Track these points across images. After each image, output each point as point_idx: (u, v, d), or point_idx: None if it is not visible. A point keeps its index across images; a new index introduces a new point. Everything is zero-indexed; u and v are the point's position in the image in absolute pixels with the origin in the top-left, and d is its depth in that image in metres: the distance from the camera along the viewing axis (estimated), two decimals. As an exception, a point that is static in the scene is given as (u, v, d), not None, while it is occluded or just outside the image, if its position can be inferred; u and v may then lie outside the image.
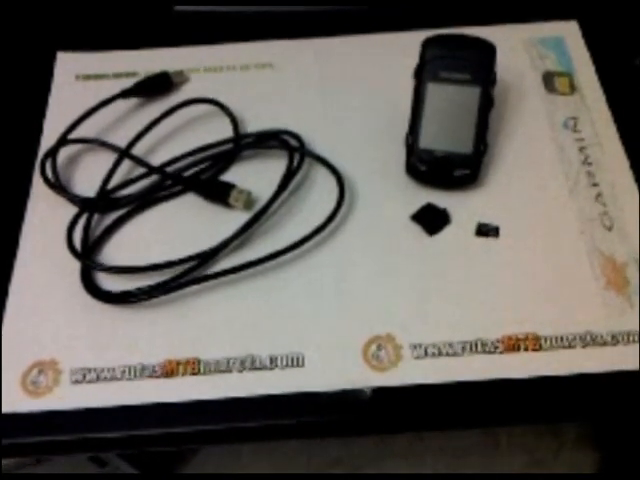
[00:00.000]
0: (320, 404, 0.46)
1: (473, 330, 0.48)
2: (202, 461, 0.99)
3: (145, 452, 0.82)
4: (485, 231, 0.52)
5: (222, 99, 0.59)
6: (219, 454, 0.99)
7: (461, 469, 0.98)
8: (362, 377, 0.47)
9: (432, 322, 0.49)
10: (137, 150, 0.57)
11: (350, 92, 0.61)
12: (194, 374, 0.47)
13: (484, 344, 0.48)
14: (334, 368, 0.47)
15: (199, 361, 0.48)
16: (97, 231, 0.54)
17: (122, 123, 0.60)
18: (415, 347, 0.48)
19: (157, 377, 0.47)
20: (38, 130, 0.59)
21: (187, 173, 0.56)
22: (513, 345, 0.47)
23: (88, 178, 0.56)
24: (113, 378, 0.47)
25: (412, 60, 0.53)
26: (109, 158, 0.56)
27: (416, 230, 0.53)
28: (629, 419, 0.53)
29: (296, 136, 0.57)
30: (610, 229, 0.52)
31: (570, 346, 0.47)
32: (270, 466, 0.98)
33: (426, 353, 0.47)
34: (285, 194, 0.54)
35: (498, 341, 0.48)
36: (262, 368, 0.47)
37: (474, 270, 0.51)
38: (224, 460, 0.99)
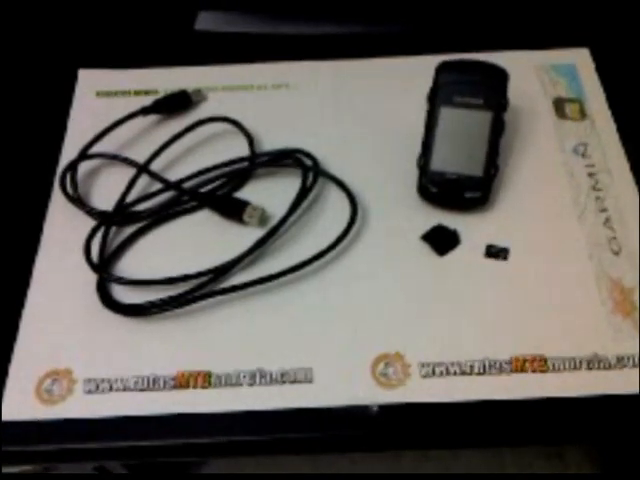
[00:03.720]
0: (328, 419, 0.47)
1: (481, 350, 0.49)
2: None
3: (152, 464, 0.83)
4: (494, 253, 0.53)
5: (239, 118, 0.61)
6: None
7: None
8: (370, 394, 0.47)
9: (441, 341, 0.49)
10: (155, 166, 0.58)
11: (364, 113, 0.62)
12: (205, 387, 0.48)
13: (492, 364, 0.48)
14: (343, 384, 0.48)
15: (210, 374, 0.48)
16: (114, 244, 0.55)
17: (141, 139, 0.61)
18: (423, 366, 0.48)
19: (169, 389, 0.48)
20: (59, 144, 0.61)
21: (203, 189, 0.57)
22: (520, 366, 0.48)
23: (106, 192, 0.57)
24: (125, 389, 0.48)
25: (426, 84, 0.54)
26: (127, 173, 0.57)
27: (426, 250, 0.54)
28: (635, 442, 0.54)
29: (310, 156, 0.58)
30: (618, 254, 0.53)
31: (576, 368, 0.48)
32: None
33: (434, 372, 0.48)
34: (298, 212, 0.55)
35: (505, 362, 0.48)
36: (272, 382, 0.48)
37: (483, 291, 0.52)
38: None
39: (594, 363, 0.48)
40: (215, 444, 0.47)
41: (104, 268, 0.53)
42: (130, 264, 0.54)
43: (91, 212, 0.56)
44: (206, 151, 0.60)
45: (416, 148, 0.55)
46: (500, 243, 0.54)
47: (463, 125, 0.54)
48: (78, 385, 0.48)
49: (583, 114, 0.61)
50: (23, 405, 0.48)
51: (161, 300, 0.50)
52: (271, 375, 0.48)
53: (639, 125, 0.60)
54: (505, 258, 0.53)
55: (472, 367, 0.48)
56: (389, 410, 0.47)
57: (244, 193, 0.57)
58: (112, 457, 0.51)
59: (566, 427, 0.47)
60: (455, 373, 0.48)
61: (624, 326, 0.49)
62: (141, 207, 0.56)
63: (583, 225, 0.54)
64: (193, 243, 0.55)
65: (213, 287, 0.52)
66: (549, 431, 0.47)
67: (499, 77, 0.54)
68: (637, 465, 0.85)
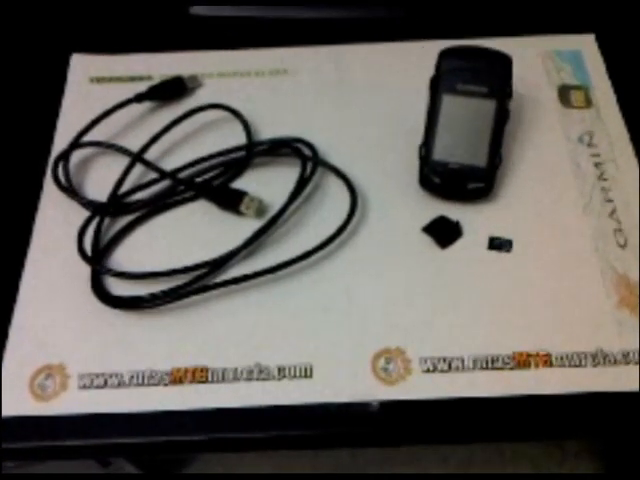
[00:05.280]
0: (328, 416, 0.46)
1: (484, 345, 0.48)
2: (205, 460, 0.99)
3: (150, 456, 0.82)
4: (498, 245, 0.52)
5: (236, 105, 0.59)
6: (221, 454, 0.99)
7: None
8: (370, 390, 0.46)
9: (442, 336, 0.48)
10: (149, 155, 0.57)
11: (365, 101, 0.60)
12: (202, 382, 0.47)
13: (494, 360, 0.47)
14: (343, 380, 0.47)
15: (207, 369, 0.48)
16: (108, 235, 0.53)
17: (135, 127, 0.60)
18: (424, 361, 0.47)
19: (165, 384, 0.47)
20: (51, 132, 0.59)
21: (199, 179, 0.56)
22: (524, 361, 0.47)
23: (100, 182, 0.56)
24: (120, 384, 0.47)
25: (428, 70, 0.53)
26: (121, 162, 0.56)
27: (428, 242, 0.53)
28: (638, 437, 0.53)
29: (309, 145, 0.56)
30: (624, 246, 0.52)
31: (581, 364, 0.47)
32: (273, 467, 0.98)
33: (435, 367, 0.47)
34: (297, 203, 0.54)
35: (509, 357, 0.47)
36: (270, 378, 0.47)
37: (486, 284, 0.50)
38: (226, 460, 0.99)
39: (599, 358, 0.47)
40: (212, 440, 0.46)
41: (98, 260, 0.52)
42: (124, 256, 0.53)
43: (84, 202, 0.55)
44: (202, 139, 0.59)
45: (418, 137, 0.54)
46: (503, 235, 0.53)
47: (466, 114, 0.52)
48: (72, 380, 0.47)
49: (588, 102, 0.60)
50: (16, 401, 0.47)
51: (157, 293, 0.49)
52: (269, 371, 0.47)
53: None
54: (508, 250, 0.52)
55: (474, 363, 0.47)
56: (390, 406, 0.46)
57: (241, 183, 0.56)
58: (107, 453, 0.50)
59: (571, 423, 0.46)
60: (457, 369, 0.47)
61: (630, 320, 0.48)
62: (135, 197, 0.55)
63: (589, 216, 0.53)
64: (189, 234, 0.54)
65: (209, 280, 0.51)
66: (553, 427, 0.47)
67: (503, 64, 0.52)
68: (636, 453, 0.85)
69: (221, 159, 0.56)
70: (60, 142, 0.58)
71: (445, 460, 0.99)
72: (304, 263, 0.51)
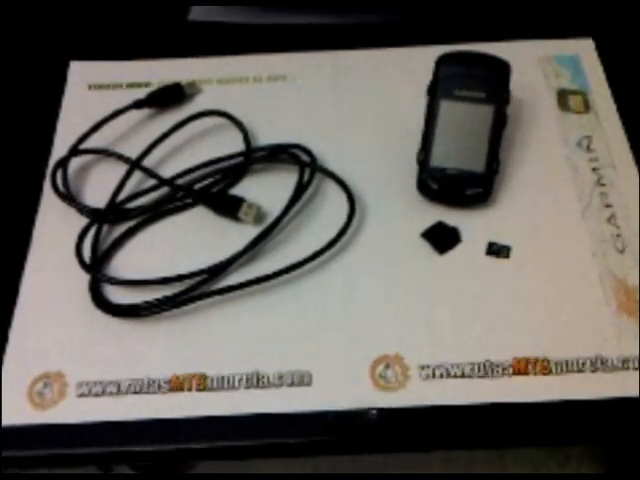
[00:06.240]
0: (326, 423, 0.46)
1: (482, 352, 0.48)
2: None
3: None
4: (496, 251, 0.52)
5: (234, 111, 0.59)
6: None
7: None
8: (369, 397, 0.46)
9: (441, 342, 0.48)
10: (148, 162, 0.57)
11: (363, 107, 0.60)
12: (200, 390, 0.47)
13: (493, 366, 0.47)
14: (341, 387, 0.47)
15: (205, 377, 0.47)
16: (106, 242, 0.53)
17: (134, 134, 0.60)
18: (423, 368, 0.47)
19: (163, 392, 0.47)
20: (50, 139, 0.59)
21: (197, 186, 0.56)
22: (522, 368, 0.47)
23: (98, 189, 0.56)
24: (119, 392, 0.47)
25: (426, 76, 0.53)
26: (120, 169, 0.56)
27: (426, 248, 0.52)
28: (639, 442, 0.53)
29: (307, 151, 0.56)
30: (622, 252, 0.52)
31: (580, 370, 0.47)
32: (274, 466, 0.98)
33: (434, 374, 0.47)
34: (295, 209, 0.54)
35: (507, 364, 0.47)
36: (269, 386, 0.47)
37: (484, 290, 0.50)
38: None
39: (598, 365, 0.47)
40: (211, 449, 0.46)
41: (96, 268, 0.52)
42: (123, 263, 0.53)
43: (83, 209, 0.55)
44: (200, 146, 0.58)
45: (416, 143, 0.54)
46: (502, 241, 0.52)
47: (464, 119, 0.52)
48: (71, 388, 0.47)
49: (587, 106, 0.60)
50: (15, 409, 0.47)
51: (155, 301, 0.49)
52: (268, 378, 0.47)
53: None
54: (507, 256, 0.52)
55: (473, 369, 0.47)
56: (388, 413, 0.46)
57: (239, 189, 0.56)
58: (106, 462, 0.50)
59: (569, 430, 0.46)
60: (456, 375, 0.47)
61: (629, 326, 0.48)
62: (134, 204, 0.55)
63: (587, 222, 0.53)
64: (187, 241, 0.54)
65: (208, 287, 0.51)
66: (552, 434, 0.47)
67: (501, 70, 0.53)
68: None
69: (219, 165, 0.56)
70: (59, 149, 0.58)
71: (445, 460, 0.99)
72: (302, 269, 0.51)
